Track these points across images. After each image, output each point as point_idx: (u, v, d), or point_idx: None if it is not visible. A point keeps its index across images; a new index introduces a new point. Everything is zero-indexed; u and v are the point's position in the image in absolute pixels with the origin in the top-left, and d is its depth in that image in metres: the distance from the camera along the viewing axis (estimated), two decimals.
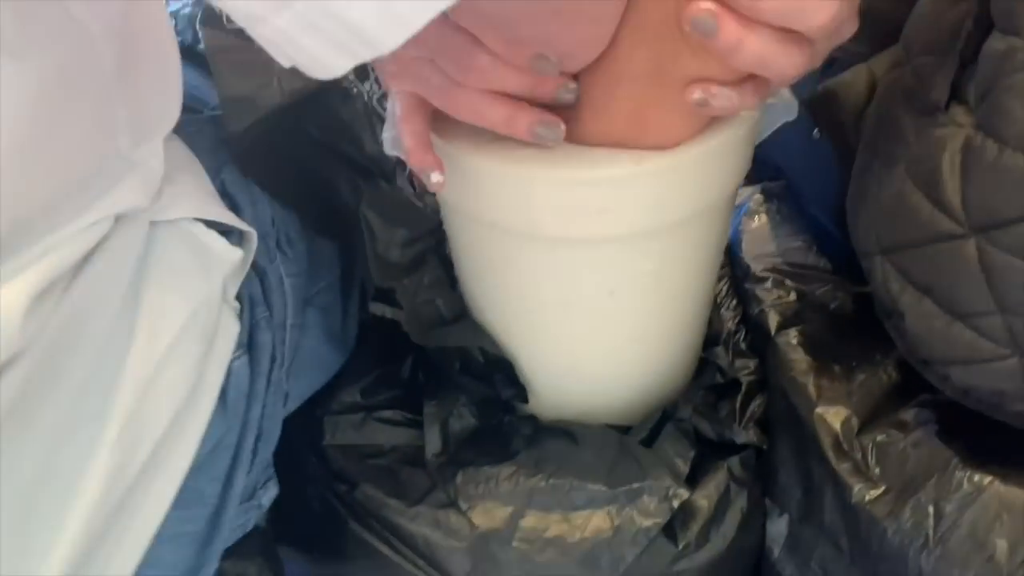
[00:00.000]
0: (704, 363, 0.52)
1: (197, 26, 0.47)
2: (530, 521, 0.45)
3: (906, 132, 0.37)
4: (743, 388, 0.51)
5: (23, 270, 0.29)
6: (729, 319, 0.56)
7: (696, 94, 0.35)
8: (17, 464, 0.29)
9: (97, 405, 0.31)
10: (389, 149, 0.43)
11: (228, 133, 0.44)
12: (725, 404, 0.49)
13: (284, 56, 0.26)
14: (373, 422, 0.49)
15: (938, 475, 0.39)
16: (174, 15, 0.55)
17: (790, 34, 0.33)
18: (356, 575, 0.48)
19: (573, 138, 0.38)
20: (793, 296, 0.53)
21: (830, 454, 0.43)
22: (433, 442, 0.48)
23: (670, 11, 0.33)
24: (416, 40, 0.33)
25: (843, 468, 0.43)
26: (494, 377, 0.49)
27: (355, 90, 0.46)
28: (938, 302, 0.36)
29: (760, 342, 0.52)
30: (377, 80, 0.47)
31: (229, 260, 0.37)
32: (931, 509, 0.38)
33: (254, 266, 0.42)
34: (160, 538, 0.34)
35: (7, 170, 0.27)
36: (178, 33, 0.54)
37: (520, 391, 0.48)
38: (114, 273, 0.32)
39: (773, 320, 0.51)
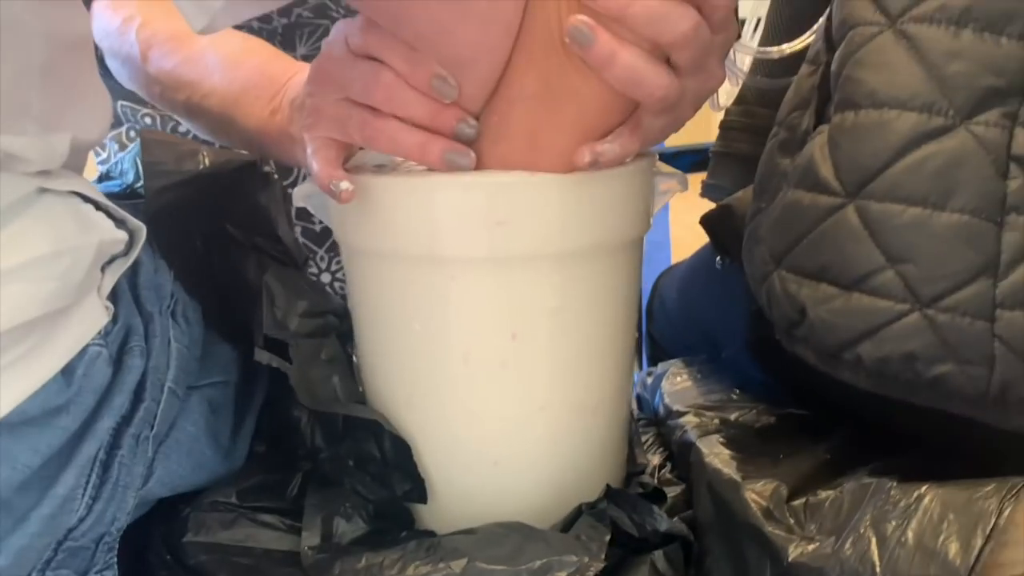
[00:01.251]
0: (628, 481, 0.47)
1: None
2: None
3: (785, 167, 0.40)
4: (668, 499, 0.46)
5: None
6: (655, 458, 0.52)
7: (586, 157, 0.39)
8: None
9: None
10: (299, 199, 0.44)
11: (145, 193, 0.45)
12: (648, 507, 0.44)
13: None
14: (246, 523, 0.43)
15: (873, 502, 0.34)
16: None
17: (656, 55, 0.37)
18: None
19: (478, 166, 0.40)
20: (716, 420, 0.50)
21: (762, 524, 0.38)
22: (312, 534, 0.41)
23: (555, 33, 0.38)
24: (326, 80, 0.39)
25: (777, 535, 0.37)
26: (390, 474, 0.44)
27: (275, 177, 0.48)
28: (835, 280, 0.35)
29: (684, 463, 0.48)
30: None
31: (110, 234, 0.36)
32: (872, 535, 0.33)
33: (140, 308, 0.41)
34: None
35: None
36: None
37: (418, 486, 0.43)
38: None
39: (695, 433, 0.48)
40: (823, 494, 0.38)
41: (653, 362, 0.76)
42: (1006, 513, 0.30)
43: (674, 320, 0.70)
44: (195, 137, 0.58)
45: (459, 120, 0.40)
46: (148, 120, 0.66)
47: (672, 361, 0.63)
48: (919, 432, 0.40)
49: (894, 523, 0.33)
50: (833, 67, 0.37)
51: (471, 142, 0.40)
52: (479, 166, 0.40)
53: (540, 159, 0.40)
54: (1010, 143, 0.31)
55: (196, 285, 0.46)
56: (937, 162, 0.32)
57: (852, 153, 0.35)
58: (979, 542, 0.30)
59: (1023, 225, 0.31)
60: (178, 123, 0.65)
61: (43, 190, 0.35)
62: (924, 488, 0.33)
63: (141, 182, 0.53)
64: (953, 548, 0.31)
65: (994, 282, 0.31)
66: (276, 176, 0.49)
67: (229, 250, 0.48)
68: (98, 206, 0.37)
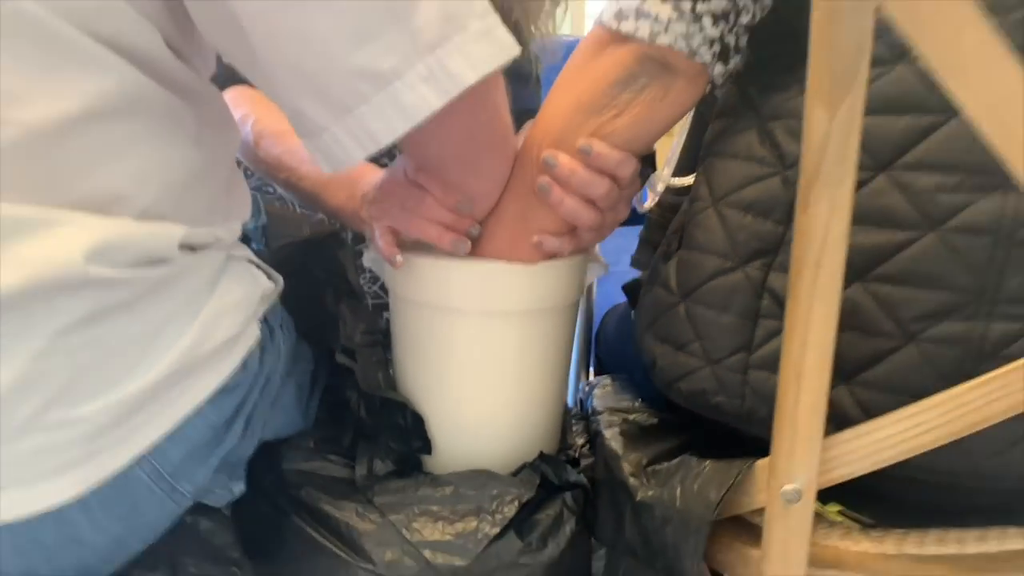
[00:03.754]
0: (561, 453, 0.75)
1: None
2: (423, 512, 0.64)
3: (659, 269, 0.67)
4: (581, 465, 0.73)
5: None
6: (580, 440, 0.80)
7: (535, 239, 0.65)
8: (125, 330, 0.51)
9: (186, 320, 0.54)
10: (367, 262, 0.71)
11: (268, 250, 0.72)
12: (564, 466, 0.71)
13: (324, 155, 0.55)
14: (319, 459, 0.70)
15: (683, 468, 0.61)
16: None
17: (587, 201, 0.64)
18: (294, 562, 0.65)
19: (476, 253, 0.67)
20: (618, 419, 0.77)
21: (627, 479, 0.65)
22: (362, 468, 0.68)
23: (529, 184, 0.65)
24: (390, 193, 0.66)
25: (634, 485, 0.64)
26: (408, 435, 0.71)
27: (348, 239, 0.75)
28: (670, 345, 0.62)
29: (595, 444, 0.75)
30: (359, 236, 0.77)
31: (265, 283, 0.63)
32: (678, 484, 0.60)
33: (268, 324, 0.67)
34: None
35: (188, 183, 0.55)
36: None
37: (426, 444, 0.70)
38: (209, 262, 0.58)
39: (604, 425, 0.75)
40: (664, 464, 0.65)
41: (598, 374, 1.03)
42: (740, 475, 0.57)
43: (611, 347, 0.97)
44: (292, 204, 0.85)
45: (470, 225, 0.67)
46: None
47: (603, 376, 0.90)
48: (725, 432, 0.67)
49: (690, 479, 0.60)
50: (685, 218, 0.64)
51: (474, 238, 0.67)
52: (478, 253, 0.67)
53: (515, 253, 0.67)
54: (765, 279, 0.58)
55: (294, 308, 0.73)
56: (725, 286, 0.59)
57: (684, 272, 0.62)
58: (723, 489, 0.57)
59: (768, 326, 0.58)
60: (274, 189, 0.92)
61: (230, 257, 0.62)
62: (707, 462, 0.60)
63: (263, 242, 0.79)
64: (713, 492, 0.58)
65: (748, 355, 0.58)
66: (350, 239, 0.76)
67: (318, 287, 0.75)
68: (257, 265, 0.64)
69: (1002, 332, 0.52)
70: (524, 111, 0.94)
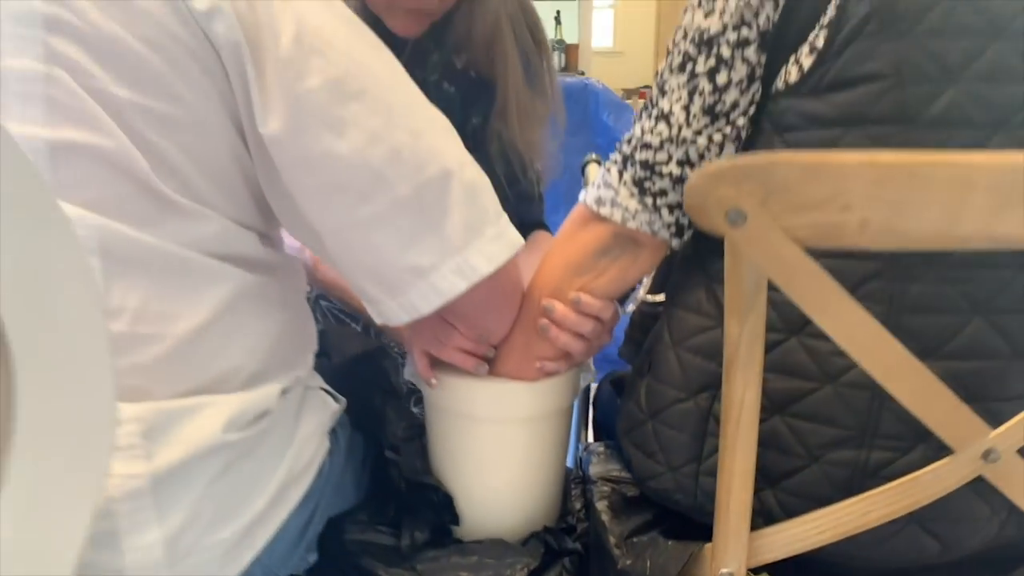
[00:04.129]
0: (562, 517, 0.94)
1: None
2: None
3: (636, 384, 0.86)
4: (577, 530, 0.92)
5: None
6: (577, 503, 0.99)
7: (538, 364, 0.85)
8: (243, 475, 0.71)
9: (282, 452, 0.74)
10: (407, 376, 0.91)
11: (330, 364, 0.91)
12: (564, 536, 0.91)
13: (378, 314, 0.75)
14: (371, 531, 0.89)
15: (652, 546, 0.81)
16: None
17: (580, 336, 0.83)
18: None
19: (491, 373, 0.86)
20: (607, 488, 0.96)
21: (612, 549, 0.84)
22: (406, 538, 0.88)
23: (534, 321, 0.84)
24: (425, 326, 0.86)
25: (616, 554, 0.83)
26: (441, 510, 0.90)
27: (394, 351, 0.94)
28: (640, 449, 0.81)
29: (588, 511, 0.95)
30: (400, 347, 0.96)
31: (335, 406, 0.83)
32: (648, 560, 0.79)
33: (332, 429, 0.87)
34: None
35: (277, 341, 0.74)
36: None
37: (455, 517, 0.90)
38: (295, 399, 0.77)
39: (596, 496, 0.94)
40: (641, 537, 0.84)
41: (596, 436, 1.22)
42: (691, 557, 0.76)
43: (605, 411, 1.16)
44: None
45: (487, 351, 0.86)
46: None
47: (598, 443, 1.09)
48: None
49: (656, 554, 0.79)
50: (654, 348, 0.83)
51: (489, 360, 0.86)
52: (493, 373, 0.86)
53: (523, 374, 0.86)
54: (711, 408, 0.77)
55: (349, 407, 0.93)
56: (681, 412, 0.78)
57: (651, 398, 0.80)
58: (679, 566, 0.76)
59: (712, 443, 0.76)
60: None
61: (307, 388, 0.81)
62: (670, 542, 0.79)
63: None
64: (672, 567, 0.77)
65: (698, 465, 0.77)
66: (396, 351, 0.95)
67: (367, 389, 0.94)
68: (326, 391, 0.83)
69: (879, 459, 0.70)
70: (531, 224, 1.13)
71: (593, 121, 2.39)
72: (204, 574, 0.66)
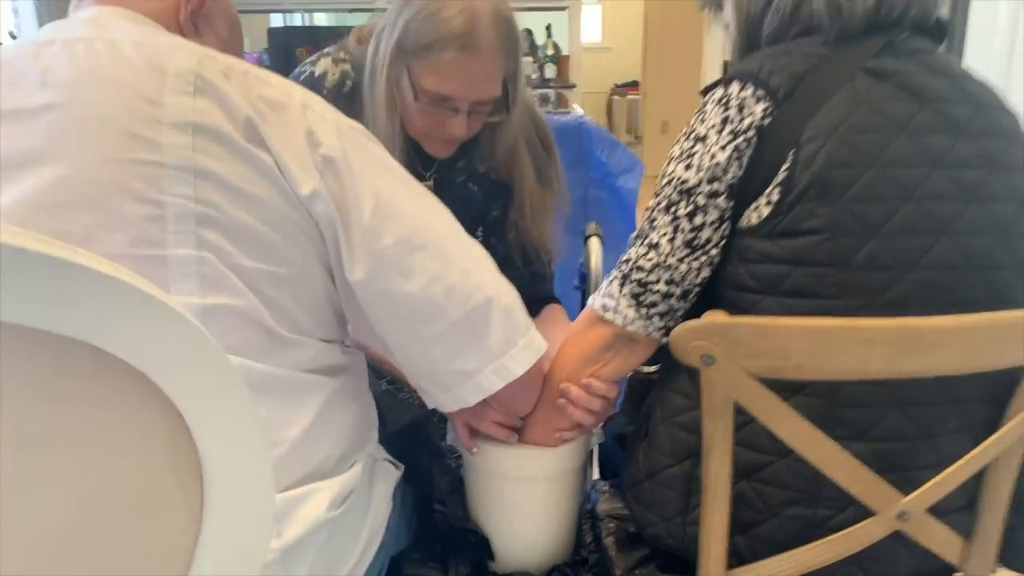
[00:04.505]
0: (576, 550, 1.16)
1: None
2: None
3: (636, 449, 1.07)
4: (589, 561, 1.14)
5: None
6: (588, 536, 1.20)
7: (557, 434, 1.06)
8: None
9: (364, 514, 0.95)
10: (450, 441, 1.12)
11: (385, 432, 1.12)
12: (579, 570, 1.12)
13: (430, 401, 0.96)
14: (424, 567, 1.11)
15: None
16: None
17: (591, 412, 1.04)
18: None
19: (520, 441, 1.07)
20: (613, 525, 1.18)
21: None
22: (452, 574, 1.09)
23: (553, 400, 1.05)
24: (468, 407, 1.07)
25: None
26: (479, 549, 1.12)
27: (435, 418, 1.15)
28: (637, 503, 1.02)
29: (597, 547, 1.16)
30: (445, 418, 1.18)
31: (396, 473, 1.04)
32: None
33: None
34: None
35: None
36: None
37: (491, 554, 1.11)
38: (367, 470, 0.98)
39: (604, 533, 1.16)
40: (643, 570, 1.06)
41: (604, 477, 1.44)
42: None
43: (610, 454, 1.37)
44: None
45: (516, 423, 1.07)
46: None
47: (604, 481, 1.30)
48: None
49: None
50: (649, 419, 1.04)
51: (517, 430, 1.08)
52: (521, 441, 1.07)
53: (545, 441, 1.07)
54: (694, 472, 0.98)
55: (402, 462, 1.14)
56: (671, 475, 0.99)
57: (647, 462, 1.02)
58: None
59: (696, 500, 0.98)
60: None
61: (376, 460, 1.02)
62: None
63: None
64: None
65: (685, 517, 0.98)
66: (436, 417, 1.16)
67: (415, 450, 1.15)
68: (389, 460, 1.04)
69: (823, 515, 0.92)
70: (544, 298, 1.34)
71: (587, 156, 2.59)
72: None
